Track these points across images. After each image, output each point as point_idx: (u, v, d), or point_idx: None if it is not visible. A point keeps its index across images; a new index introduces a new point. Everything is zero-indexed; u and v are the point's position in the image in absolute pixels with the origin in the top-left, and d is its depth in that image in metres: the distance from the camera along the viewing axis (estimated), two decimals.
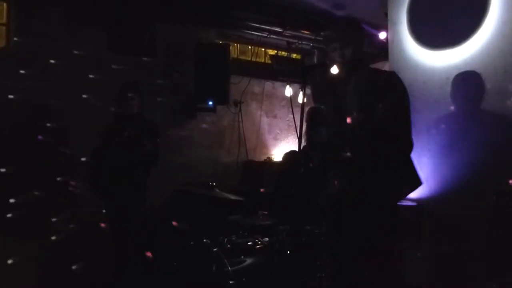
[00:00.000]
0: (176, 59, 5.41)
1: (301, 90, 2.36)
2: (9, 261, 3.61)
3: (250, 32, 5.64)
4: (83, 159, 3.91)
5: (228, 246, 3.16)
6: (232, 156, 5.99)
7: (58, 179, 4.36)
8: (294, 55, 6.73)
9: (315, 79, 2.62)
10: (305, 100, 2.31)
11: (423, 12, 3.76)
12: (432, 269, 3.45)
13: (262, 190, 4.08)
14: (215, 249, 3.07)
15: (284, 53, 6.61)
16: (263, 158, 6.23)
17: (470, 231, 3.18)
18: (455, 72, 3.40)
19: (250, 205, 3.94)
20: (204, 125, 5.74)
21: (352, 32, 2.42)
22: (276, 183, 4.12)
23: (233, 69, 5.63)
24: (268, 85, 6.45)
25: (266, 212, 3.74)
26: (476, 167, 3.20)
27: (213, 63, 5.21)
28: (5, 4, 4.59)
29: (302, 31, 5.67)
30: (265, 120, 6.40)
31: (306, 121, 2.31)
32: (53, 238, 4.12)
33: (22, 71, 4.33)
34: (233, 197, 3.65)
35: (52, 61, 4.52)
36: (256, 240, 3.28)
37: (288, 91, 6.24)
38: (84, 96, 4.54)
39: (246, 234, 3.38)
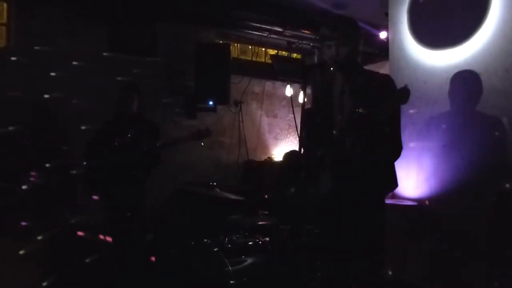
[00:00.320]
0: (176, 59, 5.41)
1: (302, 90, 2.36)
2: (9, 261, 3.61)
3: (250, 32, 5.64)
4: (84, 163, 3.88)
5: (229, 246, 3.16)
6: (233, 156, 5.99)
7: (58, 179, 4.37)
8: (294, 55, 6.73)
9: (315, 78, 2.62)
10: (305, 100, 2.31)
11: (424, 12, 3.75)
12: (432, 268, 3.45)
13: (266, 196, 4.07)
14: (215, 249, 3.07)
15: (284, 53, 6.61)
16: (264, 158, 6.23)
17: (470, 231, 3.18)
18: (456, 72, 3.40)
19: (251, 205, 3.94)
20: (204, 125, 5.73)
21: (348, 31, 2.42)
22: (276, 183, 4.12)
23: (233, 69, 5.63)
24: (269, 85, 6.45)
25: (266, 212, 3.74)
26: (476, 167, 3.20)
27: (214, 63, 5.21)
28: (5, 4, 4.59)
29: (303, 31, 5.67)
30: (265, 120, 6.40)
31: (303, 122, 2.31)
32: (53, 238, 4.12)
33: (22, 71, 4.33)
34: (233, 197, 3.65)
35: (52, 61, 4.52)
36: (257, 240, 3.28)
37: (289, 91, 6.24)
38: (84, 95, 4.54)
39: (246, 234, 3.38)
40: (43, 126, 4.43)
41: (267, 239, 3.29)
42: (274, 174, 4.80)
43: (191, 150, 5.43)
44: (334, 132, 2.43)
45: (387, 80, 2.43)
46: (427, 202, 3.58)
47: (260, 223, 3.50)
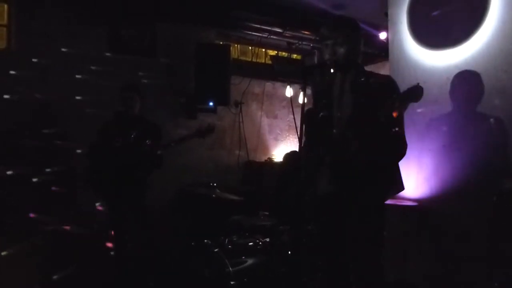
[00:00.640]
0: (176, 60, 5.42)
1: (302, 91, 2.36)
2: (9, 261, 3.61)
3: (250, 32, 5.65)
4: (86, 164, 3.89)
5: (229, 246, 3.17)
6: (233, 156, 5.99)
7: (58, 179, 4.37)
8: (294, 56, 6.73)
9: (315, 79, 2.63)
10: (305, 101, 2.31)
11: (423, 12, 3.75)
12: (432, 268, 3.45)
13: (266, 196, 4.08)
14: (216, 250, 3.08)
15: (284, 54, 6.62)
16: (264, 158, 6.23)
17: (470, 231, 3.18)
18: (456, 72, 3.40)
19: (251, 206, 3.94)
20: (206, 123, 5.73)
21: (346, 31, 2.43)
22: (276, 184, 4.12)
23: (233, 70, 5.63)
24: (269, 85, 6.45)
25: (267, 213, 3.74)
26: (476, 167, 3.20)
27: (214, 64, 5.21)
28: (5, 5, 4.60)
29: (303, 32, 5.67)
30: (265, 121, 6.41)
31: (304, 122, 2.31)
32: (53, 238, 4.12)
33: (22, 72, 4.34)
34: (234, 197, 3.66)
35: (53, 62, 4.52)
36: (257, 241, 3.28)
37: (289, 91, 6.24)
38: (85, 96, 4.55)
39: (247, 234, 3.38)
40: (43, 126, 4.43)
41: (268, 239, 3.30)
42: (274, 175, 4.80)
43: (191, 151, 5.44)
44: (334, 132, 2.43)
45: (389, 81, 2.44)
46: (424, 207, 3.58)
47: (260, 223, 3.51)
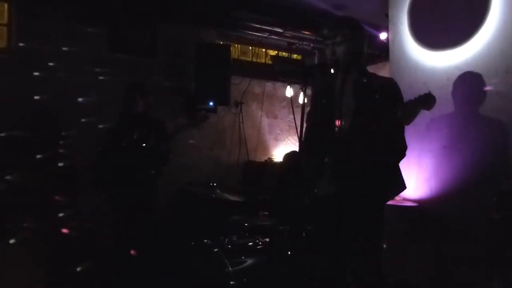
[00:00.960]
0: (176, 60, 5.42)
1: (302, 91, 2.36)
2: (9, 261, 3.61)
3: (250, 32, 5.64)
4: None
5: (229, 246, 3.17)
6: (233, 156, 5.99)
7: (58, 179, 4.37)
8: (294, 56, 6.73)
9: (315, 79, 2.63)
10: (305, 101, 2.31)
11: (424, 13, 3.76)
12: (432, 269, 3.45)
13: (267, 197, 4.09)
14: (216, 250, 3.07)
15: (284, 54, 6.62)
16: (264, 158, 6.23)
17: (470, 231, 3.18)
18: (456, 73, 3.40)
19: (251, 206, 3.94)
20: (204, 126, 5.74)
21: (344, 31, 2.42)
22: (276, 184, 4.12)
23: (233, 70, 5.63)
24: (269, 85, 6.45)
25: (266, 213, 3.74)
26: (476, 168, 3.20)
27: (214, 64, 5.21)
28: (6, 5, 4.59)
29: (303, 32, 5.67)
30: (265, 121, 6.41)
31: (306, 122, 2.32)
32: (53, 237, 4.12)
33: (22, 72, 4.34)
34: (233, 197, 3.66)
35: (53, 62, 4.52)
36: (257, 241, 3.28)
37: (289, 91, 6.24)
38: (85, 96, 4.55)
39: (247, 234, 3.38)
40: (43, 126, 4.43)
41: (267, 239, 3.30)
42: (274, 175, 4.80)
43: (192, 151, 5.44)
44: (334, 133, 2.43)
45: (391, 83, 2.43)
46: (424, 207, 3.58)
47: (260, 223, 3.51)
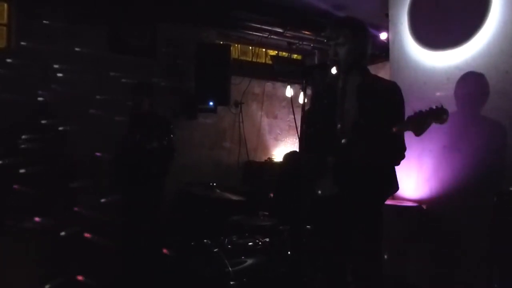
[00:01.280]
0: (176, 59, 5.42)
1: (302, 91, 2.36)
2: (9, 261, 3.61)
3: (250, 32, 5.65)
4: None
5: (229, 246, 3.16)
6: (233, 156, 6.00)
7: (59, 179, 4.37)
8: (294, 56, 6.73)
9: (315, 79, 2.62)
10: (305, 101, 2.31)
11: (424, 13, 3.76)
12: (432, 269, 3.45)
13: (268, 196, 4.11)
14: (216, 250, 3.07)
15: (284, 54, 6.62)
16: (264, 158, 6.23)
17: (470, 232, 3.18)
18: (456, 73, 3.40)
19: (251, 206, 3.94)
20: (204, 126, 5.75)
21: (346, 31, 2.42)
22: (276, 184, 4.12)
23: (233, 70, 5.64)
24: (269, 85, 6.45)
25: (266, 213, 3.74)
26: (476, 168, 3.20)
27: (214, 64, 5.21)
28: (5, 5, 4.59)
29: (303, 32, 5.67)
30: (265, 121, 6.41)
31: (305, 123, 2.32)
32: (53, 238, 4.12)
33: (23, 72, 4.33)
34: (234, 197, 3.66)
35: (53, 62, 4.52)
36: (257, 241, 3.28)
37: (289, 91, 6.24)
38: (85, 96, 4.55)
39: (247, 234, 3.38)
40: (43, 126, 4.43)
41: (267, 239, 3.29)
42: (274, 175, 4.80)
43: (192, 151, 5.45)
44: (336, 133, 2.43)
45: (393, 87, 2.43)
46: (424, 207, 3.58)
47: (260, 223, 3.51)
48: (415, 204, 3.62)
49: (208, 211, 4.15)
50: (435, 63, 3.60)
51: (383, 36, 5.20)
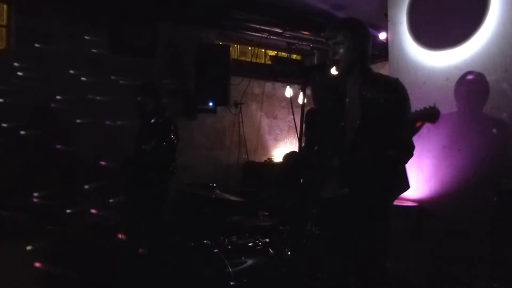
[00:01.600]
0: (176, 60, 5.42)
1: (301, 91, 2.36)
2: (9, 261, 3.61)
3: (250, 33, 5.65)
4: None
5: (229, 247, 3.16)
6: (233, 157, 6.00)
7: (60, 179, 4.38)
8: (294, 56, 6.74)
9: (315, 79, 2.62)
10: (305, 101, 2.31)
11: (423, 13, 3.76)
12: (432, 268, 3.45)
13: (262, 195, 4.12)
14: (216, 250, 3.07)
15: (284, 54, 6.62)
16: (264, 159, 6.23)
17: (470, 231, 3.18)
18: (455, 72, 3.40)
19: (251, 206, 3.94)
20: (204, 126, 5.75)
21: (346, 31, 2.42)
22: (276, 184, 4.12)
23: (233, 70, 5.63)
24: (268, 86, 6.45)
25: (266, 213, 3.74)
26: (476, 168, 3.20)
27: (214, 64, 5.21)
28: (5, 6, 4.60)
29: (302, 32, 5.67)
30: (265, 121, 6.41)
31: (305, 123, 2.31)
32: (54, 237, 4.12)
33: (23, 73, 4.34)
34: (233, 198, 3.65)
35: (53, 62, 4.52)
36: (257, 241, 3.28)
37: (288, 92, 6.24)
38: (85, 96, 4.55)
39: (246, 235, 3.38)
40: (44, 126, 4.44)
41: (267, 239, 3.29)
42: (274, 175, 4.79)
43: (192, 151, 5.44)
44: (342, 135, 2.42)
45: (396, 85, 2.42)
46: (424, 207, 3.59)
47: (260, 224, 3.51)
48: (415, 204, 3.62)
49: (208, 212, 4.15)
50: (434, 63, 3.61)
51: (382, 36, 5.20)
